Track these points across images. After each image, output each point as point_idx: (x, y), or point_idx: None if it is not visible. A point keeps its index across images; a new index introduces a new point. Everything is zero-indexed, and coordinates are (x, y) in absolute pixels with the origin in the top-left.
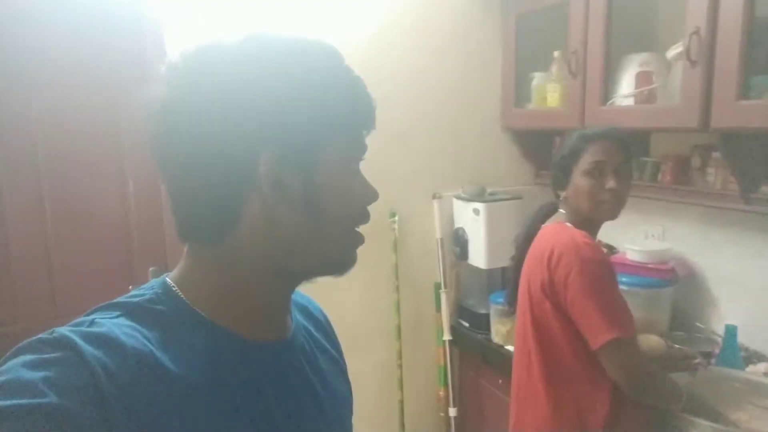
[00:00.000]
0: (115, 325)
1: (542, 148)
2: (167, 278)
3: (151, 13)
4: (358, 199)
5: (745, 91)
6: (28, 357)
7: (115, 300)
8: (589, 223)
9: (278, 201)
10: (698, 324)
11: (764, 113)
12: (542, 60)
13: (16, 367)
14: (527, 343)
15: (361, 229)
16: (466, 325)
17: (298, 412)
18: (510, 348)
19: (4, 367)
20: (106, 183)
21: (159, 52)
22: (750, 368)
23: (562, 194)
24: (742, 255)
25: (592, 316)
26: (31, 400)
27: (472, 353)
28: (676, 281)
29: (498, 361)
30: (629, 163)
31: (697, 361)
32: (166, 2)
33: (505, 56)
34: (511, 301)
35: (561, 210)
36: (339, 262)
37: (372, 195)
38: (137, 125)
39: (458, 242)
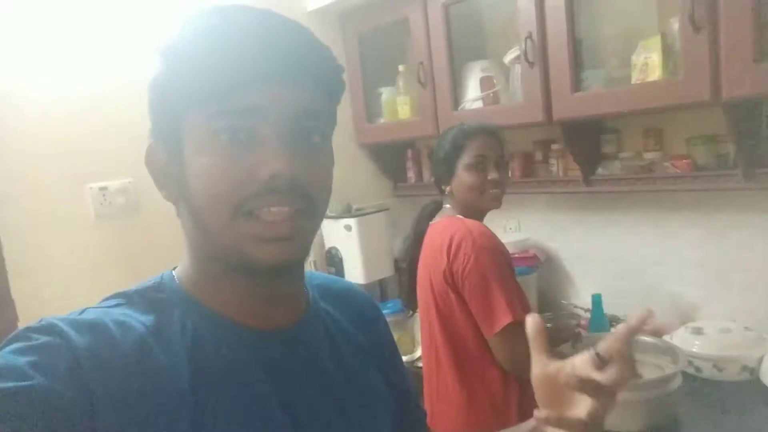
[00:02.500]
0: (105, 314)
1: (397, 162)
2: (175, 268)
3: None
4: (233, 176)
5: (577, 84)
6: (17, 344)
7: (123, 290)
8: (477, 213)
9: (169, 189)
10: (562, 302)
11: (594, 103)
12: (388, 75)
13: (5, 354)
14: (434, 340)
15: None
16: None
17: (301, 402)
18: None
19: None
20: None
21: None
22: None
23: (447, 188)
24: (588, 234)
25: (489, 302)
26: (17, 383)
27: None
28: (537, 267)
29: None
30: (504, 155)
31: (577, 330)
32: None
33: (352, 74)
34: (410, 304)
35: (446, 205)
36: (241, 252)
37: (270, 167)
38: None
39: (333, 262)
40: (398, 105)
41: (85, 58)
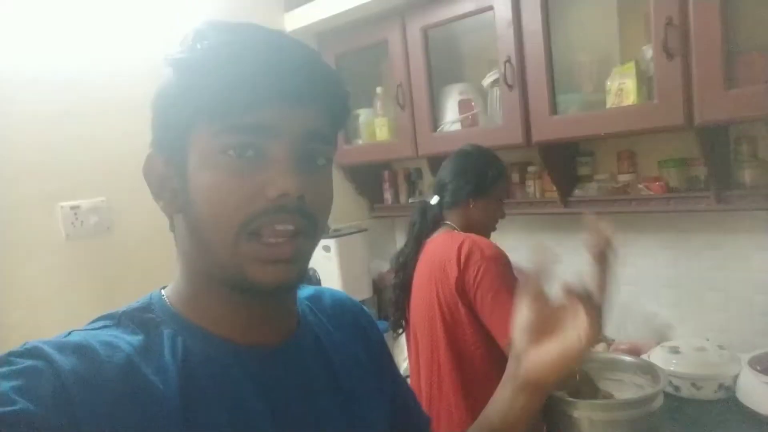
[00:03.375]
0: (91, 335)
1: (373, 183)
2: (164, 288)
3: None
4: (240, 194)
5: (554, 108)
6: (0, 370)
7: (110, 311)
8: (475, 233)
9: (167, 201)
10: None
11: (571, 126)
12: (365, 97)
13: None
14: (436, 357)
15: None
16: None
17: (293, 419)
18: None
19: None
20: None
21: None
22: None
23: (472, 203)
24: (563, 254)
25: (502, 311)
26: (1, 409)
27: None
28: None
29: None
30: None
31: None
32: None
33: None
34: (398, 324)
35: (447, 221)
36: (241, 271)
37: (278, 186)
38: None
39: (311, 283)
40: (376, 126)
41: (59, 72)
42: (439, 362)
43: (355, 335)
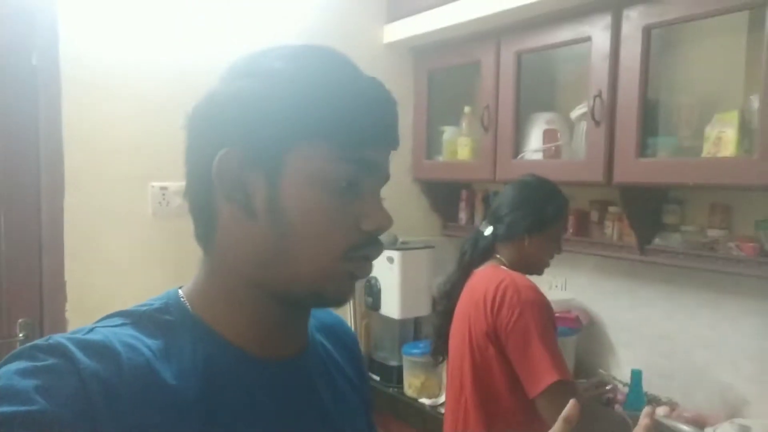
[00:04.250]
0: (113, 334)
1: (450, 201)
2: (180, 288)
3: (45, 36)
4: (342, 222)
5: (642, 149)
6: (22, 364)
7: (127, 308)
8: (525, 271)
9: (240, 204)
10: (600, 371)
11: (659, 170)
12: (452, 114)
13: (10, 374)
14: (463, 391)
15: None
16: (377, 378)
17: (302, 429)
18: (425, 401)
19: None
20: None
21: (51, 79)
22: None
23: (526, 240)
24: (637, 304)
25: (534, 360)
26: (21, 408)
27: (382, 408)
28: (579, 330)
29: (411, 415)
30: None
31: (608, 387)
32: (63, 27)
33: (417, 110)
34: (438, 351)
35: (498, 255)
36: (321, 289)
37: (376, 221)
38: (17, 155)
39: (371, 292)
40: (459, 145)
41: (158, 59)
42: (466, 398)
43: (348, 359)
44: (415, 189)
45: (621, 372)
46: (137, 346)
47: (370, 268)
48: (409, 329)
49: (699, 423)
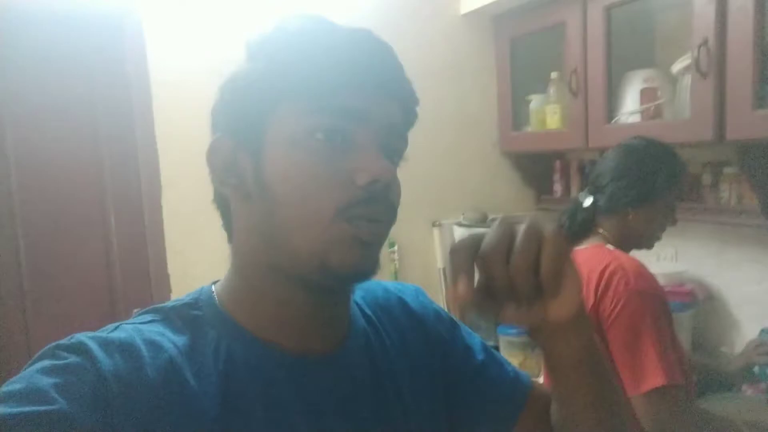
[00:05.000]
0: (138, 332)
1: (542, 173)
2: (214, 283)
3: (133, 42)
4: (329, 180)
5: (760, 100)
6: (45, 363)
7: (160, 304)
8: (630, 247)
9: (235, 188)
10: (723, 349)
11: None
12: (539, 82)
13: (32, 373)
14: None
15: None
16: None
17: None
18: None
19: (23, 373)
20: (87, 221)
21: (142, 80)
22: None
23: (631, 214)
24: (763, 274)
25: (638, 358)
26: (40, 407)
27: None
28: (695, 305)
29: None
30: None
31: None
32: (146, 31)
33: (501, 79)
34: None
35: (600, 230)
36: (324, 259)
37: (371, 173)
38: (119, 157)
39: None
40: (547, 114)
41: (239, 58)
42: None
43: (408, 328)
44: (504, 163)
45: None
46: (162, 343)
47: (378, 230)
48: None
49: None
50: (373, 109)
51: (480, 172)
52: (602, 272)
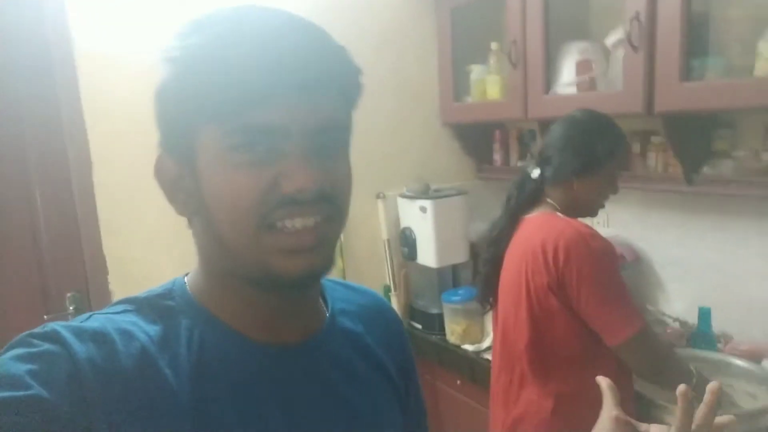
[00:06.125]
0: (110, 321)
1: (482, 143)
2: (187, 274)
3: (54, 12)
4: (252, 190)
5: (687, 72)
6: (20, 350)
7: (132, 295)
8: (577, 215)
9: (186, 203)
10: (648, 307)
11: (706, 94)
12: (479, 53)
13: (6, 361)
14: (518, 342)
15: None
16: (419, 326)
17: (308, 423)
18: (468, 347)
19: None
20: (10, 202)
21: (65, 52)
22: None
23: (575, 183)
24: (685, 237)
25: (611, 311)
26: (15, 393)
27: (427, 355)
28: (624, 266)
29: (455, 361)
30: None
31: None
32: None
33: (441, 50)
34: (485, 299)
35: (549, 200)
36: (266, 269)
37: (294, 182)
38: (42, 131)
39: (406, 242)
40: (488, 84)
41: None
42: (520, 351)
43: (383, 342)
44: (445, 133)
45: (671, 307)
46: (134, 332)
47: (312, 232)
48: (448, 277)
49: (755, 355)
50: (295, 119)
51: (422, 143)
52: (558, 237)
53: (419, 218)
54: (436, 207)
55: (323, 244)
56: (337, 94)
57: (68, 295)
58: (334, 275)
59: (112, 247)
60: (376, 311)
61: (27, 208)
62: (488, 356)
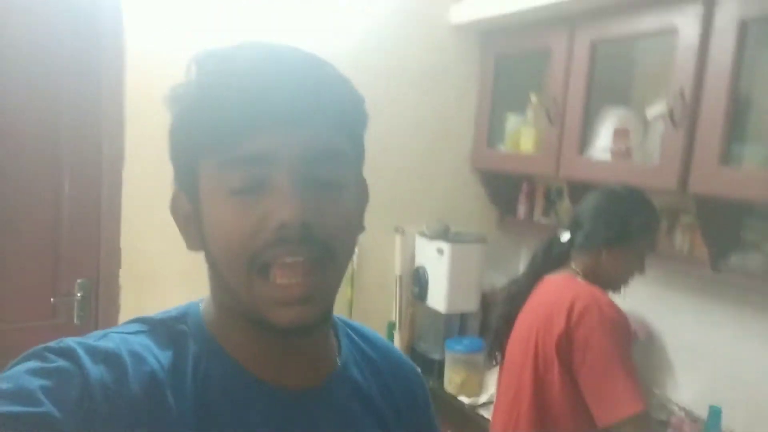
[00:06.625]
0: (124, 342)
1: (509, 193)
2: (203, 298)
3: (110, 5)
4: (244, 227)
5: (726, 157)
6: (34, 364)
7: (149, 315)
8: (599, 286)
9: (196, 237)
10: (654, 390)
11: (743, 182)
12: (518, 103)
13: (20, 374)
14: (519, 402)
15: None
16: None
17: None
18: (463, 399)
19: (10, 372)
20: (39, 183)
21: (116, 47)
22: None
23: (604, 254)
24: (703, 324)
25: (612, 385)
26: (27, 408)
27: None
28: (636, 344)
29: (449, 413)
30: None
31: None
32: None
33: (481, 95)
34: (494, 353)
35: (573, 265)
36: (256, 313)
37: (278, 217)
38: (80, 121)
39: (418, 281)
40: (522, 135)
41: (223, 34)
42: (518, 414)
43: (399, 396)
44: (473, 178)
45: (678, 394)
46: (145, 357)
47: (302, 284)
48: (455, 324)
49: None
50: (281, 148)
51: (448, 183)
52: (574, 301)
53: (435, 259)
54: (453, 251)
55: (316, 294)
56: (332, 124)
57: (78, 281)
58: (341, 304)
59: (128, 241)
60: (392, 366)
61: (54, 192)
62: (483, 412)
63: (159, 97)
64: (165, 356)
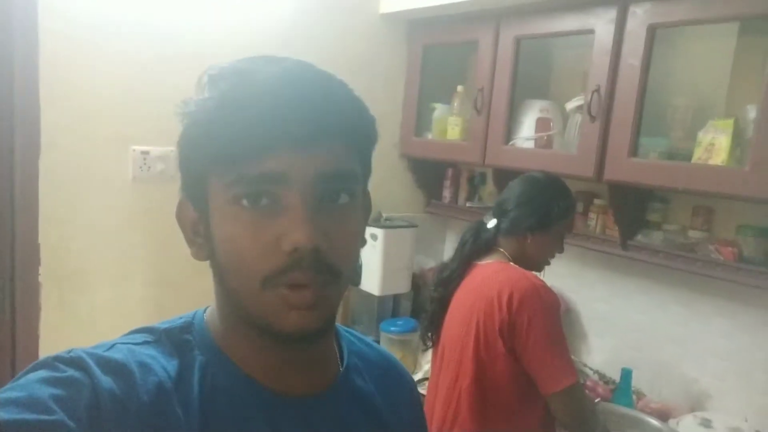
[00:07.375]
0: (131, 353)
1: (434, 178)
2: (209, 307)
3: None
4: (258, 245)
5: (635, 149)
6: (45, 373)
7: (153, 324)
8: (527, 267)
9: (202, 246)
10: (572, 357)
11: (648, 172)
12: (444, 93)
13: (31, 383)
14: (460, 382)
15: None
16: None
17: None
18: None
19: (21, 381)
20: None
21: (30, 30)
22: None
23: (529, 238)
24: (613, 296)
25: (552, 361)
26: (39, 416)
27: None
28: None
29: None
30: None
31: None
32: None
33: (409, 84)
34: (429, 336)
35: (501, 249)
36: (265, 321)
37: (291, 240)
38: None
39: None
40: (449, 124)
41: (146, 16)
42: (461, 389)
43: (395, 406)
44: (402, 164)
45: (591, 359)
46: (153, 367)
47: (307, 296)
48: (388, 306)
49: (664, 414)
50: (295, 168)
51: (377, 171)
52: (513, 287)
53: (369, 245)
54: (386, 236)
55: (322, 303)
56: (345, 145)
57: None
58: None
59: (50, 237)
60: (391, 373)
61: None
62: (419, 389)
63: (77, 81)
64: (171, 366)
